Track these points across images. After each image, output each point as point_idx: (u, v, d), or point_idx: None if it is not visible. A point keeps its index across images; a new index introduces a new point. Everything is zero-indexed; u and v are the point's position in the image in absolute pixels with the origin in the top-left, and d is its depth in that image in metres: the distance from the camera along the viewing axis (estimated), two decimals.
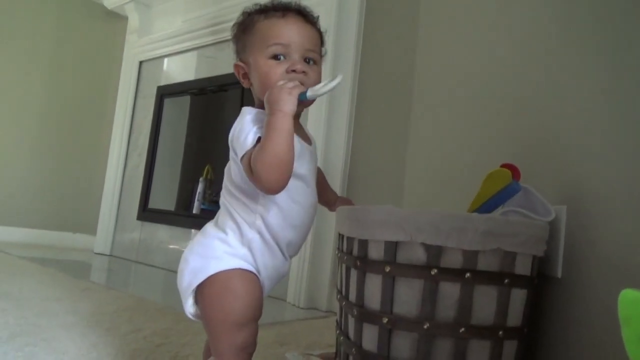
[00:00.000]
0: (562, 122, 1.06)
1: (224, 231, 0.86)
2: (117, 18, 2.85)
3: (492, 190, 0.97)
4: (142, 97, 2.66)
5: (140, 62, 2.69)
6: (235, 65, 0.92)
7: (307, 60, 0.87)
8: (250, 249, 0.84)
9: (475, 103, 1.29)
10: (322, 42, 0.92)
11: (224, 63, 2.24)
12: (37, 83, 2.79)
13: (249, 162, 0.79)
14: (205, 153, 2.50)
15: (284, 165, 0.78)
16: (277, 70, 0.85)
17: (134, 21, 2.71)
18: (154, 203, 2.49)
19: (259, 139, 0.80)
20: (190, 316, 0.86)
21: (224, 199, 0.89)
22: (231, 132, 0.84)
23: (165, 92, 2.53)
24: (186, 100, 2.50)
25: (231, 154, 0.85)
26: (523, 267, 0.87)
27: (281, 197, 0.84)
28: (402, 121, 1.52)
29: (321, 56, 0.92)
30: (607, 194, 0.94)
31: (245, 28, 0.91)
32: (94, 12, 2.86)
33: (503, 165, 1.00)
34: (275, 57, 0.86)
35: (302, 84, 0.84)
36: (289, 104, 0.79)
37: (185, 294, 0.84)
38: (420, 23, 1.52)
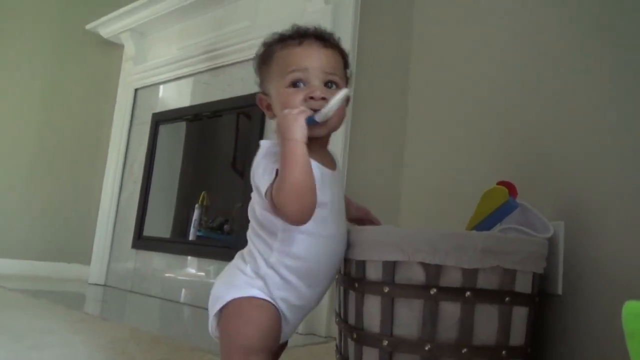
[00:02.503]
0: (557, 137, 1.07)
1: (245, 262, 0.88)
2: (113, 46, 2.89)
3: (489, 208, 0.98)
4: (137, 124, 2.67)
5: (136, 90, 2.71)
6: (259, 98, 0.93)
7: (329, 85, 0.86)
8: (265, 281, 0.85)
9: (470, 120, 1.30)
10: (346, 64, 0.92)
11: (219, 89, 2.26)
12: (33, 112, 2.80)
13: (272, 197, 0.79)
14: (201, 179, 2.50)
15: (304, 193, 0.77)
16: (296, 98, 0.85)
17: (129, 49, 2.75)
18: (149, 231, 2.47)
19: (277, 172, 0.80)
20: (215, 338, 0.88)
21: (248, 233, 0.90)
22: (252, 169, 0.85)
23: (161, 119, 2.55)
24: (181, 126, 2.52)
25: (253, 189, 0.85)
26: (523, 285, 0.86)
27: (301, 230, 0.83)
28: (397, 139, 1.53)
29: (347, 78, 0.92)
30: (605, 208, 0.94)
31: (265, 59, 0.92)
32: (89, 41, 2.90)
33: (499, 183, 1.00)
34: (295, 84, 0.86)
35: (319, 110, 0.83)
36: (297, 131, 0.79)
37: (210, 317, 0.87)
38: (414, 39, 1.54)
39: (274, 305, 0.84)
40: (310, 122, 0.82)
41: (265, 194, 0.81)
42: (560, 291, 0.98)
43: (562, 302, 0.98)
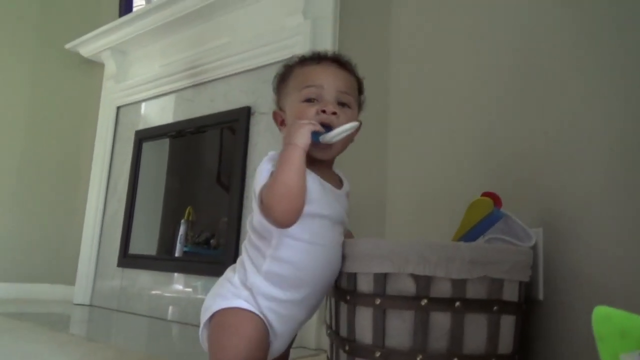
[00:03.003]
0: (536, 145, 1.09)
1: (234, 272, 0.90)
2: (94, 65, 2.87)
3: (475, 219, 0.99)
4: (120, 142, 2.65)
5: (118, 108, 2.69)
6: (274, 113, 0.96)
7: (341, 104, 0.89)
8: (251, 292, 0.85)
9: (453, 132, 1.32)
10: (360, 90, 0.96)
11: (202, 105, 2.26)
12: (14, 132, 2.76)
13: (262, 197, 0.82)
14: (186, 195, 2.48)
15: (292, 195, 0.80)
16: (309, 111, 0.88)
17: (110, 68, 2.73)
18: (135, 248, 2.45)
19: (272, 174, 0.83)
20: (205, 349, 0.89)
21: (244, 243, 0.92)
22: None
23: (144, 136, 2.53)
24: (165, 143, 2.50)
25: (252, 197, 0.88)
26: (511, 294, 0.88)
27: (296, 237, 0.85)
28: (380, 151, 1.55)
29: (359, 103, 0.95)
30: (581, 214, 0.96)
31: (284, 77, 0.96)
32: (70, 61, 2.87)
33: (484, 194, 1.02)
34: (309, 100, 0.89)
35: (329, 125, 0.86)
36: (299, 137, 0.82)
37: (200, 328, 0.89)
38: (393, 52, 1.56)
39: (259, 316, 0.85)
40: (315, 139, 0.84)
41: (259, 193, 0.83)
42: (541, 296, 1.00)
43: (543, 307, 1.00)
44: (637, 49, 0.93)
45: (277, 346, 0.90)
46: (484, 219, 0.98)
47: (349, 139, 0.92)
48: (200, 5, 2.22)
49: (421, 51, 1.46)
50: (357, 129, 0.92)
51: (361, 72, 1.66)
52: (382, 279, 0.86)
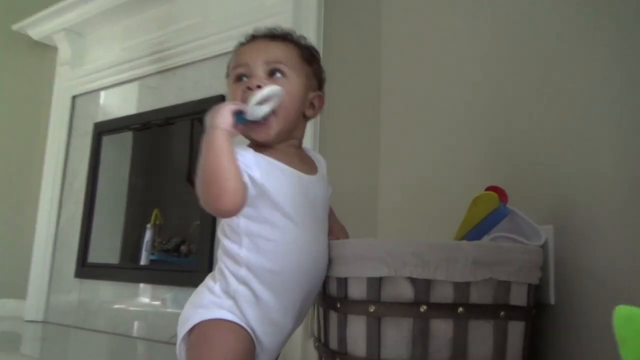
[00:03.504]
0: (542, 136, 1.11)
1: (214, 280, 0.90)
2: (45, 49, 2.82)
3: (479, 216, 1.00)
4: (76, 137, 2.62)
5: (74, 97, 2.65)
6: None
7: (275, 75, 0.91)
8: (235, 301, 0.86)
9: (452, 120, 1.33)
10: (308, 60, 0.96)
11: (170, 93, 2.24)
12: None
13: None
14: (153, 195, 2.47)
15: (219, 178, 0.82)
16: (237, 91, 0.92)
17: (64, 52, 2.69)
18: (95, 257, 2.42)
19: None
20: None
21: (218, 251, 0.93)
22: None
23: (104, 129, 2.50)
24: (128, 136, 2.48)
25: None
26: (519, 297, 0.89)
27: (265, 237, 0.86)
28: (372, 142, 1.55)
29: (314, 75, 0.97)
30: (595, 210, 0.98)
31: (228, 67, 0.98)
32: (17, 44, 2.82)
33: (488, 188, 1.03)
34: (240, 78, 0.92)
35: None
36: (218, 119, 0.84)
37: (178, 342, 0.89)
38: (384, 33, 1.57)
39: (244, 328, 0.86)
40: (240, 121, 0.86)
41: None
42: (552, 300, 1.01)
43: (555, 312, 1.01)
44: None
45: None
46: (488, 216, 0.99)
47: (287, 114, 0.92)
48: None
49: (416, 34, 1.47)
50: (320, 99, 0.97)
51: (350, 55, 1.69)
52: (376, 283, 0.86)
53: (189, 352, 0.86)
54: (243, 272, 0.87)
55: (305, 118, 0.98)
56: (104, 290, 2.30)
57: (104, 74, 2.50)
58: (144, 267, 2.31)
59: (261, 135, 0.91)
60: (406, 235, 1.37)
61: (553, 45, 1.11)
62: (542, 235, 0.98)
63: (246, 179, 0.85)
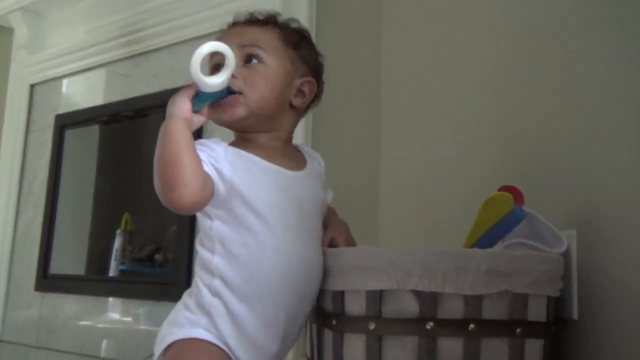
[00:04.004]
0: (564, 132, 1.11)
1: (190, 295, 0.92)
2: (0, 30, 2.81)
3: (492, 220, 1.00)
4: (35, 130, 2.60)
5: (32, 86, 2.63)
6: None
7: (249, 60, 0.93)
8: (211, 317, 0.87)
9: (461, 114, 1.33)
10: (289, 42, 0.97)
11: (141, 81, 2.23)
12: None
13: None
14: (123, 197, 2.45)
15: (170, 171, 0.82)
16: None
17: (22, 34, 2.67)
18: (58, 267, 2.41)
19: None
20: None
21: (196, 260, 0.94)
22: None
23: (67, 122, 2.49)
24: (94, 130, 2.47)
25: None
26: (537, 312, 0.89)
27: (239, 243, 0.87)
28: (372, 139, 1.55)
29: (301, 59, 0.97)
30: (625, 214, 0.98)
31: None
32: None
33: (502, 188, 1.03)
34: (216, 67, 0.91)
35: (232, 89, 0.89)
36: (175, 106, 0.86)
37: None
38: (384, 22, 1.57)
39: (221, 348, 0.86)
40: (201, 102, 0.88)
41: None
42: (575, 315, 1.01)
43: (578, 328, 1.01)
44: None
45: None
46: (502, 220, 0.99)
47: (268, 95, 0.92)
48: None
49: (420, 21, 1.47)
50: (315, 86, 0.99)
51: (345, 46, 1.68)
52: (376, 297, 0.86)
53: None
54: (216, 283, 0.87)
55: (294, 108, 0.98)
56: (69, 305, 2.30)
57: (67, 59, 2.49)
58: (113, 279, 2.29)
59: (228, 115, 0.92)
60: (410, 242, 1.37)
61: (575, 35, 1.11)
62: (564, 241, 0.98)
63: (212, 173, 0.86)
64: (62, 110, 2.53)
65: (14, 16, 2.66)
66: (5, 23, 2.74)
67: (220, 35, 0.96)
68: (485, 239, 1.00)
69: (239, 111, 0.91)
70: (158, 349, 0.88)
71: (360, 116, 1.62)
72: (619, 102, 1.02)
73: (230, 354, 0.87)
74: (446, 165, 1.34)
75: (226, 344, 0.87)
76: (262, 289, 0.87)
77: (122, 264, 2.32)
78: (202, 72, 0.87)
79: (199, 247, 0.92)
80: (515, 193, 1.01)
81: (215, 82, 0.87)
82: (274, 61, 0.93)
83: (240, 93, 0.90)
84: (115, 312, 2.16)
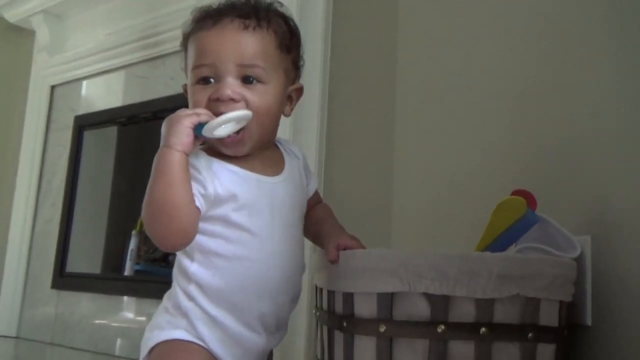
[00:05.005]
0: (578, 132, 1.10)
1: (168, 297, 0.91)
2: (21, 33, 2.83)
3: (504, 224, 0.99)
4: (55, 131, 2.63)
5: (52, 87, 2.66)
6: (184, 88, 0.94)
7: (248, 80, 0.85)
8: (189, 319, 0.86)
9: (474, 118, 1.32)
10: (285, 47, 0.90)
11: (159, 83, 2.24)
12: None
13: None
14: (139, 198, 2.43)
15: (165, 215, 0.79)
16: (201, 97, 0.86)
17: (43, 36, 2.70)
18: (74, 266, 2.42)
19: None
20: None
21: (175, 265, 0.92)
22: None
23: (85, 123, 2.51)
24: (112, 131, 2.48)
25: None
26: (549, 317, 0.88)
27: (216, 251, 0.85)
28: (385, 142, 1.54)
29: (293, 65, 0.92)
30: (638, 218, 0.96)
31: (184, 43, 0.93)
32: None
33: (515, 192, 1.02)
34: (205, 80, 0.86)
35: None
36: (175, 136, 0.79)
37: None
38: (400, 23, 1.56)
39: (203, 346, 0.85)
40: (198, 133, 0.81)
41: None
42: (589, 321, 1.00)
43: (591, 335, 1.00)
44: None
45: None
46: (514, 224, 0.98)
47: (269, 121, 0.88)
48: None
49: (438, 22, 1.46)
50: (299, 90, 0.93)
51: (362, 50, 1.68)
52: (387, 300, 0.86)
53: None
54: (191, 288, 0.86)
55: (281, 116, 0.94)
56: (84, 303, 2.31)
57: (86, 61, 2.51)
58: (128, 278, 2.30)
59: (232, 151, 0.87)
60: (422, 245, 1.37)
61: (592, 40, 1.11)
62: (577, 246, 0.97)
63: (201, 205, 0.83)
64: (81, 111, 2.55)
65: (36, 19, 2.69)
66: (27, 26, 2.77)
67: (209, 40, 0.86)
68: (498, 242, 1.00)
69: (244, 149, 0.87)
70: (143, 352, 0.88)
71: (375, 122, 1.62)
72: (636, 108, 1.00)
73: (212, 352, 0.86)
74: (459, 169, 1.34)
75: (206, 343, 0.86)
76: (240, 298, 0.86)
77: (137, 263, 2.33)
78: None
79: (178, 254, 0.89)
80: (528, 197, 1.00)
81: (226, 132, 0.81)
82: (273, 80, 0.87)
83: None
84: (129, 311, 2.17)
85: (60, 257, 2.45)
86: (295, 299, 0.93)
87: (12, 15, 2.76)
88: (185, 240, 0.82)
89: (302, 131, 1.68)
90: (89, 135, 2.52)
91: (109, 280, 2.33)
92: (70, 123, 2.56)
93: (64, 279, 2.42)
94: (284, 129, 1.68)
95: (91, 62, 2.49)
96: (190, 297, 0.86)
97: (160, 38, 2.22)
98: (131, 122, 2.38)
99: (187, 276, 0.86)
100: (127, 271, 2.33)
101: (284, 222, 0.90)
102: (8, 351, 2.28)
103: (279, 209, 0.89)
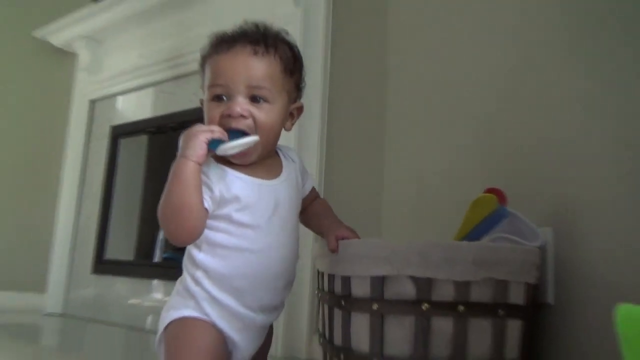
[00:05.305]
0: (542, 139, 1.10)
1: (180, 282, 0.90)
2: (66, 55, 2.83)
3: (478, 217, 0.99)
4: (94, 139, 2.63)
5: (92, 101, 2.66)
6: (201, 102, 0.93)
7: (256, 99, 0.85)
8: (196, 300, 0.86)
9: (453, 125, 1.32)
10: (291, 71, 0.90)
11: (184, 98, 2.24)
12: None
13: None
14: None
15: (181, 216, 0.79)
16: (214, 113, 0.85)
17: (84, 58, 2.70)
18: (111, 254, 2.42)
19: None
20: None
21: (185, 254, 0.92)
22: None
23: (120, 132, 2.51)
24: (143, 140, 2.48)
25: None
26: (517, 296, 0.88)
27: (222, 244, 0.85)
28: (376, 146, 1.54)
29: (295, 87, 0.92)
30: (594, 212, 0.97)
31: (202, 64, 0.93)
32: (39, 50, 2.83)
33: (488, 190, 1.02)
34: (219, 97, 0.86)
35: (237, 130, 0.83)
36: (191, 149, 0.79)
37: (156, 344, 0.89)
38: (389, 41, 1.56)
39: (210, 323, 0.85)
40: (213, 147, 0.80)
41: None
42: (551, 300, 1.00)
43: (554, 312, 1.00)
44: None
45: (241, 357, 0.89)
46: (487, 217, 0.98)
47: (273, 136, 0.88)
48: None
49: (420, 42, 1.47)
50: (300, 109, 0.93)
51: (356, 63, 1.68)
52: (379, 282, 0.85)
53: (164, 350, 0.86)
54: (199, 274, 0.86)
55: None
56: (119, 286, 2.31)
57: (121, 79, 2.51)
58: (157, 265, 2.31)
59: (240, 160, 0.86)
60: (409, 235, 1.36)
61: (552, 47, 1.10)
62: (540, 236, 0.97)
63: (209, 206, 0.83)
64: (116, 122, 2.55)
65: (78, 43, 2.69)
66: (71, 49, 2.77)
67: (223, 63, 0.86)
68: (473, 233, 1.00)
69: (251, 159, 0.86)
70: (160, 328, 0.88)
71: (367, 131, 1.61)
72: (592, 116, 1.01)
73: (217, 327, 0.86)
74: (440, 170, 1.34)
75: (213, 321, 0.85)
76: (241, 283, 0.85)
77: (164, 252, 2.33)
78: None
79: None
80: (499, 194, 1.00)
81: (232, 152, 0.81)
82: (278, 100, 0.87)
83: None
84: (158, 293, 2.17)
85: (99, 246, 2.45)
86: (290, 284, 0.93)
87: (58, 40, 2.76)
88: (195, 236, 0.83)
89: (305, 138, 1.69)
90: (123, 143, 2.52)
91: (141, 266, 2.33)
92: (107, 132, 2.56)
93: (103, 265, 2.42)
94: (290, 136, 1.69)
95: (125, 80, 2.49)
96: (197, 282, 0.86)
97: (185, 59, 2.22)
98: (159, 131, 2.38)
99: (195, 264, 0.86)
100: (157, 258, 2.34)
101: (282, 218, 0.89)
102: (55, 326, 2.28)
103: (277, 207, 0.89)
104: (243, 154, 0.84)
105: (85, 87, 2.69)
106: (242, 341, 0.87)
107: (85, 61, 2.69)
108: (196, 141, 0.79)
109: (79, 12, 2.57)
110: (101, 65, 2.68)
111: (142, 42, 2.49)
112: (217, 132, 0.81)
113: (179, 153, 0.81)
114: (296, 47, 0.93)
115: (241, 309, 0.86)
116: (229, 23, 2.16)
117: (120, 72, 2.52)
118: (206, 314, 0.85)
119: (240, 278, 0.85)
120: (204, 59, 0.92)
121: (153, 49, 2.40)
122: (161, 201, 0.81)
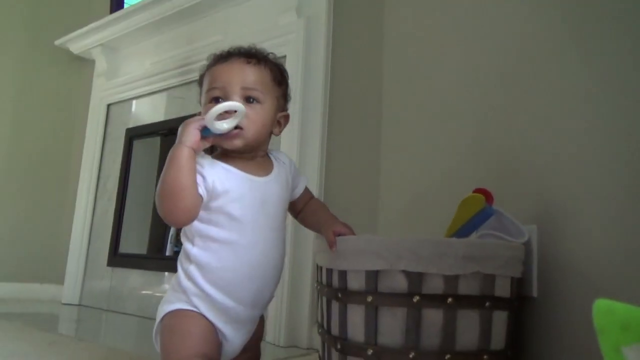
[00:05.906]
0: (527, 141, 1.09)
1: (174, 278, 0.92)
2: (84, 62, 2.84)
3: (466, 216, 0.99)
4: (110, 140, 2.63)
5: (108, 105, 2.67)
6: (199, 114, 0.95)
7: (249, 100, 0.89)
8: (187, 295, 0.87)
9: (443, 129, 1.32)
10: (279, 81, 0.94)
11: (193, 102, 2.24)
12: (1, 130, 2.73)
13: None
14: None
15: (175, 194, 0.81)
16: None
17: (101, 65, 2.71)
18: (125, 247, 2.42)
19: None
20: None
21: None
22: None
23: (135, 134, 2.51)
24: (156, 141, 2.48)
25: None
26: (503, 289, 0.88)
27: (214, 238, 0.86)
28: (373, 148, 1.54)
29: (283, 95, 0.94)
30: (576, 210, 0.97)
31: (200, 79, 0.96)
32: (58, 57, 2.84)
33: (476, 190, 1.02)
34: (216, 99, 0.89)
35: (240, 127, 0.86)
36: (185, 135, 0.82)
37: (154, 336, 0.90)
38: (386, 48, 1.56)
39: (198, 313, 0.86)
40: (208, 134, 0.84)
41: None
42: (535, 293, 1.00)
43: (537, 304, 1.00)
44: (634, 44, 0.93)
45: (229, 351, 0.90)
46: (475, 216, 0.98)
47: (255, 128, 0.89)
48: (192, 2, 2.20)
49: (415, 49, 1.47)
50: (286, 117, 0.95)
51: (355, 70, 1.68)
52: (373, 276, 0.85)
53: (160, 341, 0.88)
54: (192, 268, 0.87)
55: (271, 134, 0.96)
56: (133, 278, 2.31)
57: (136, 85, 2.52)
58: (168, 258, 2.30)
59: (229, 144, 0.88)
60: (404, 232, 1.36)
61: (536, 47, 1.10)
62: (525, 233, 0.97)
63: (203, 193, 0.84)
64: (131, 124, 2.55)
65: (95, 51, 2.70)
66: (88, 56, 2.78)
67: (220, 70, 0.90)
68: (462, 230, 1.00)
69: (238, 143, 0.88)
70: (156, 321, 0.89)
71: (364, 136, 1.61)
72: (574, 118, 1.00)
73: (209, 320, 0.87)
74: (431, 172, 1.34)
75: (202, 313, 0.87)
76: (231, 276, 0.86)
77: (175, 246, 2.33)
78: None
79: (182, 239, 0.91)
80: (487, 194, 1.00)
81: (225, 127, 0.84)
82: (268, 101, 0.91)
83: (241, 128, 0.87)
84: (169, 284, 2.17)
85: (114, 241, 2.45)
86: (277, 278, 0.93)
87: (76, 48, 2.77)
88: (189, 217, 0.83)
89: (307, 144, 1.69)
90: (137, 144, 2.52)
91: (153, 259, 2.33)
92: (122, 134, 2.57)
93: (117, 258, 2.42)
94: (292, 140, 1.70)
95: (139, 85, 2.50)
96: (189, 277, 0.87)
97: (195, 66, 2.22)
98: (171, 133, 2.38)
99: (189, 258, 0.87)
100: (168, 252, 2.33)
101: (269, 214, 0.91)
102: (72, 316, 2.28)
103: (265, 203, 0.90)
104: (234, 134, 0.85)
105: (102, 92, 2.69)
106: (231, 333, 0.88)
107: (103, 68, 2.70)
108: (190, 128, 0.82)
109: (96, 23, 2.58)
110: (117, 72, 2.68)
111: (155, 50, 2.49)
112: (204, 118, 0.84)
113: (176, 141, 0.83)
114: (283, 66, 0.98)
115: (229, 303, 0.87)
116: (235, 34, 2.18)
117: (135, 78, 2.52)
118: (196, 307, 0.86)
119: (229, 271, 0.86)
120: (202, 75, 0.95)
121: (165, 57, 2.40)
122: (159, 184, 0.82)
